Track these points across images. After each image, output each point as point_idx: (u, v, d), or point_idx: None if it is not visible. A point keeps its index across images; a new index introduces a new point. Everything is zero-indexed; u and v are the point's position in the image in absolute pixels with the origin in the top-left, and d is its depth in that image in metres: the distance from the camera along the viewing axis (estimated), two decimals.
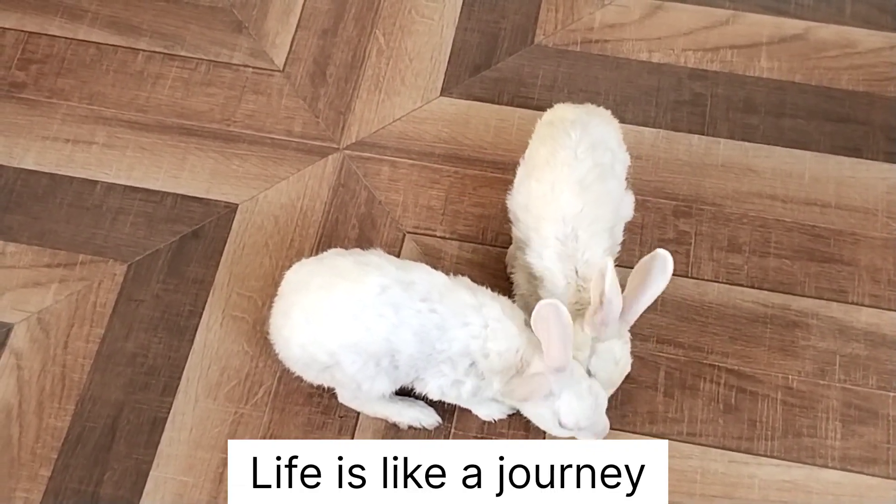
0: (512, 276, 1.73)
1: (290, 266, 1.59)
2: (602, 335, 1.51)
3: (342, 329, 1.48)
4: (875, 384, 1.71)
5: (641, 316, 1.68)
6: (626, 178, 1.65)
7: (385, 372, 1.51)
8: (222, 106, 1.99)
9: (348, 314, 1.47)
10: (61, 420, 1.69)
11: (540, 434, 1.63)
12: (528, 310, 1.48)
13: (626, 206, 1.65)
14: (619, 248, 1.64)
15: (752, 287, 1.79)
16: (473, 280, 1.55)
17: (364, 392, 1.56)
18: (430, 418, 1.65)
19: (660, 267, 1.48)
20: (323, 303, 1.49)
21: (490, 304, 1.51)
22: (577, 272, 1.54)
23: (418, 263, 1.55)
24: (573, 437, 1.54)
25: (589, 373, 1.53)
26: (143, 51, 2.05)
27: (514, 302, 1.59)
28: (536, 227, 1.56)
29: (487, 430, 1.67)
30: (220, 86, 2.01)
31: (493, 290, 1.56)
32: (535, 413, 1.54)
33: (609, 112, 1.68)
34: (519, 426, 1.66)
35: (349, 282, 1.48)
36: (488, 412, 1.66)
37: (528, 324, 1.47)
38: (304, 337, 1.51)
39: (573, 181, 1.54)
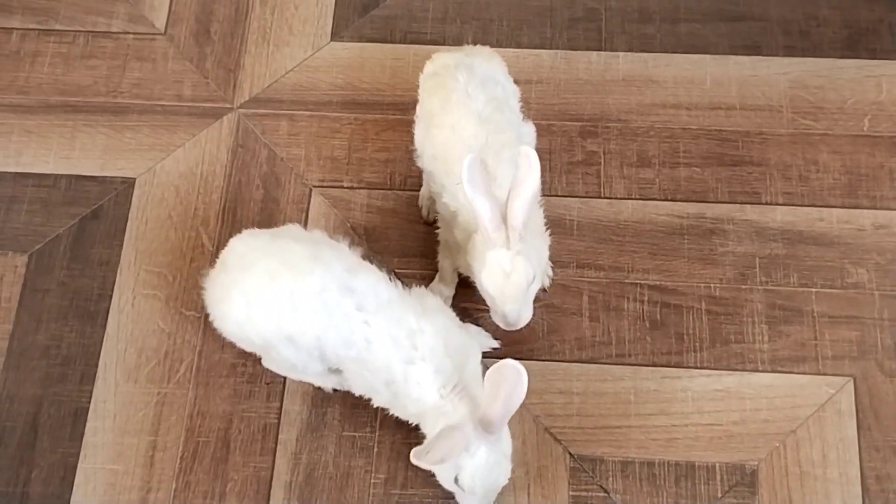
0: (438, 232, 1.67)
1: (239, 233, 1.53)
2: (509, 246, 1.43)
3: (278, 320, 1.45)
4: (796, 282, 1.70)
5: (559, 242, 1.66)
6: (521, 110, 1.61)
7: (318, 359, 1.48)
8: (106, 77, 1.91)
9: (285, 308, 1.44)
10: None
11: None
12: (453, 253, 1.45)
13: (527, 136, 1.61)
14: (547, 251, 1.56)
15: (666, 199, 1.77)
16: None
17: (298, 372, 1.55)
18: None
19: (525, 164, 1.40)
20: (264, 290, 1.45)
21: (430, 334, 1.43)
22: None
23: (373, 270, 1.48)
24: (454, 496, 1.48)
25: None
26: (17, 29, 1.96)
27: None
28: (448, 172, 1.52)
29: None
30: (101, 57, 1.93)
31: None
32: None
33: (488, 48, 1.64)
34: None
35: (293, 275, 1.43)
36: None
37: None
38: (241, 317, 1.47)
39: (472, 115, 1.50)
